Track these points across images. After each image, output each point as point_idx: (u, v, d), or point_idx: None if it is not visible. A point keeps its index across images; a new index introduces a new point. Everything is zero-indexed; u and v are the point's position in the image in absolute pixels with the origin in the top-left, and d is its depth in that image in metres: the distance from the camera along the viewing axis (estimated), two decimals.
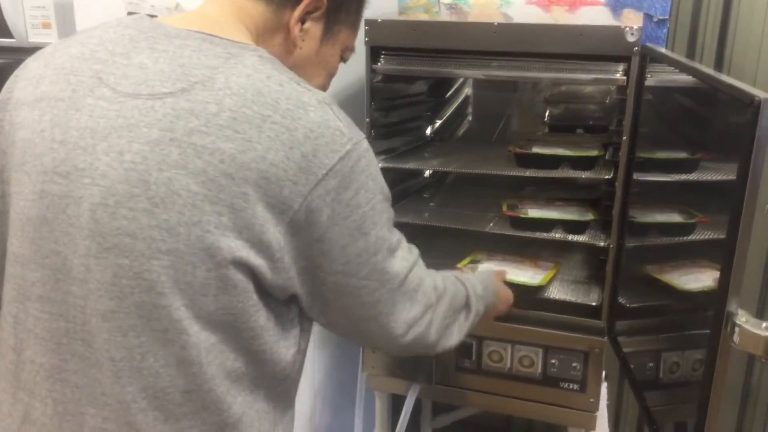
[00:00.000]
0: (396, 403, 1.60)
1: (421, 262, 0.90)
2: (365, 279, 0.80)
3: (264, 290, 0.77)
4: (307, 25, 0.87)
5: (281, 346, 0.81)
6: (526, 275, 1.44)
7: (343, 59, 0.96)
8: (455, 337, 0.98)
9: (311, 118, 0.73)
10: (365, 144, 0.78)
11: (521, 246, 1.57)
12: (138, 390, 0.75)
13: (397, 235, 0.85)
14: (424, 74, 1.47)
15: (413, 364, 1.45)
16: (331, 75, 0.95)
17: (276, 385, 0.84)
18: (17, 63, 1.58)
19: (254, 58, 0.76)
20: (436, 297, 0.92)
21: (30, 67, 0.83)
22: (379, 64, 1.41)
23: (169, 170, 0.70)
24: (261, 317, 0.77)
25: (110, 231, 0.72)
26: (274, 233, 0.73)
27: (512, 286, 1.25)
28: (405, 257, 0.85)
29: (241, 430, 0.80)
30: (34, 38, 1.68)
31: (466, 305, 1.01)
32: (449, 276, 1.01)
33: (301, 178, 0.72)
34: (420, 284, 0.88)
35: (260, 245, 0.73)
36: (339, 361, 1.79)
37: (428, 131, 1.83)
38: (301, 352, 0.86)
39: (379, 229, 0.79)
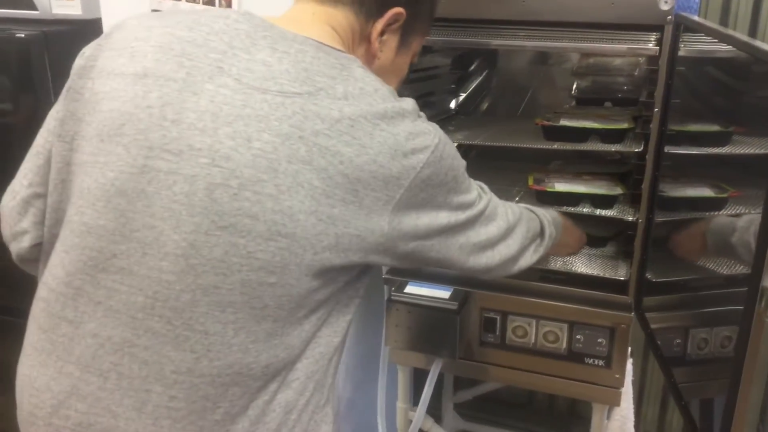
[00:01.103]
0: (419, 377, 1.60)
1: (494, 196, 1.03)
2: (458, 235, 0.93)
3: (358, 271, 0.87)
4: (386, 36, 0.94)
5: (343, 314, 0.88)
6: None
7: (412, 62, 1.03)
8: (534, 256, 1.12)
9: (408, 124, 0.83)
10: (443, 134, 0.88)
11: None
12: (225, 365, 0.78)
13: (474, 191, 0.96)
14: (450, 45, 1.44)
15: (437, 338, 1.45)
16: (401, 81, 1.05)
17: (332, 354, 0.89)
18: (42, 35, 1.59)
19: (360, 70, 0.84)
20: (514, 219, 1.05)
21: (116, 38, 0.85)
22: None
23: (297, 164, 0.77)
24: (342, 294, 0.86)
25: (229, 210, 0.76)
26: (378, 221, 0.81)
27: None
28: (480, 198, 0.97)
29: (290, 396, 0.85)
30: (57, 10, 1.68)
31: (541, 229, 1.15)
32: (521, 205, 1.16)
33: (403, 173, 0.81)
34: (495, 211, 1.01)
35: (365, 232, 0.81)
36: (362, 334, 1.79)
37: (452, 104, 1.81)
38: (351, 322, 0.92)
39: (461, 196, 0.92)
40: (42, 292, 0.84)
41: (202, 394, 0.78)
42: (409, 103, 0.87)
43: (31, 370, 0.84)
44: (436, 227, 0.89)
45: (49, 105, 0.90)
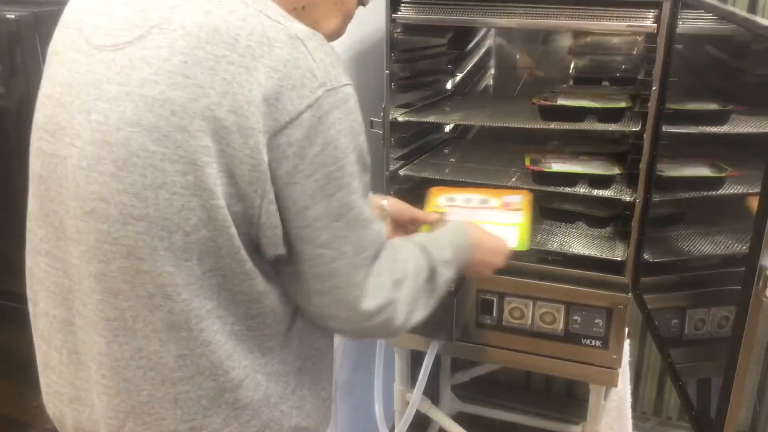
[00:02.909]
0: (416, 359, 1.60)
1: (389, 244, 0.79)
2: (322, 247, 0.70)
3: (252, 249, 0.71)
4: None
5: (282, 303, 0.76)
6: None
7: (362, 2, 0.87)
8: (420, 314, 0.84)
9: (276, 56, 0.64)
10: (344, 92, 0.68)
11: (545, 201, 1.54)
12: (134, 349, 0.73)
13: (364, 199, 0.74)
14: (446, 23, 1.42)
15: (433, 320, 1.44)
16: (347, 17, 0.85)
17: (285, 346, 0.79)
18: (32, 16, 1.56)
19: None
20: (398, 281, 0.79)
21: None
22: (399, 13, 1.37)
23: (125, 129, 0.66)
24: (255, 277, 0.72)
25: (87, 195, 0.69)
26: (247, 190, 0.66)
27: None
28: (375, 235, 0.75)
29: (241, 395, 0.75)
30: None
31: (431, 277, 0.85)
32: (412, 248, 0.85)
33: (262, 125, 0.64)
34: (383, 270, 0.76)
35: (236, 203, 0.67)
36: None
37: (449, 85, 1.79)
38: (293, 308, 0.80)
39: (345, 194, 0.70)
40: None
41: (123, 376, 0.73)
42: (283, 30, 0.65)
43: None
44: (301, 222, 0.69)
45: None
